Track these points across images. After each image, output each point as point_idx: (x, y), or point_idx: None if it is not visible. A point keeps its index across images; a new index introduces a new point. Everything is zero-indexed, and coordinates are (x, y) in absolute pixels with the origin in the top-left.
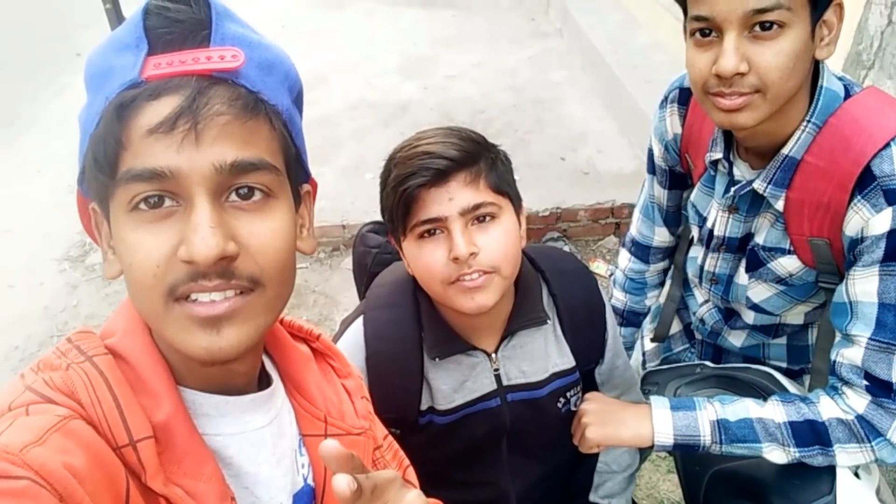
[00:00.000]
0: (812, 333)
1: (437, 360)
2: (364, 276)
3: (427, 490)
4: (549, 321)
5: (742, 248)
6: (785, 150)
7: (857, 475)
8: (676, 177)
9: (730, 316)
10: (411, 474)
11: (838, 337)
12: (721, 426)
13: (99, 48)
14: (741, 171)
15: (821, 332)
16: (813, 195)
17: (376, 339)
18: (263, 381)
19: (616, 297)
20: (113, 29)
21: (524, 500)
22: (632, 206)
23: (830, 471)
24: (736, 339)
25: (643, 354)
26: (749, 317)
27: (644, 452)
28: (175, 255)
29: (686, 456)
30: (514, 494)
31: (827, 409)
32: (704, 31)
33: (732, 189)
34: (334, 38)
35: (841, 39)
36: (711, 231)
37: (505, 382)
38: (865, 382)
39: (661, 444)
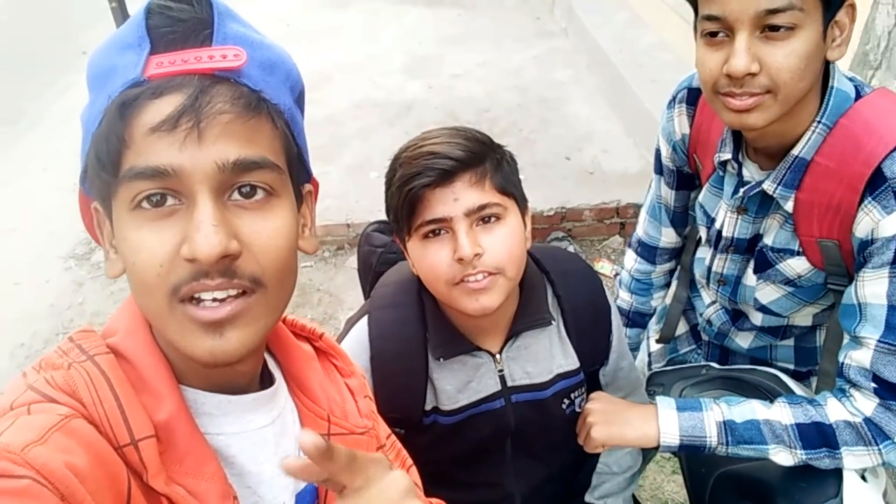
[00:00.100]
0: (820, 335)
1: (441, 360)
2: (369, 276)
3: (431, 490)
4: (553, 322)
5: (750, 250)
6: (795, 151)
7: (863, 478)
8: (684, 177)
9: (737, 317)
10: (414, 474)
11: (846, 339)
12: (728, 427)
13: (101, 47)
14: (750, 171)
15: (829, 333)
16: (823, 196)
17: (381, 339)
18: (266, 381)
19: (622, 298)
20: (118, 27)
21: (528, 501)
22: (637, 206)
23: (837, 474)
24: (743, 341)
25: (649, 355)
26: (757, 318)
27: (648, 454)
28: (178, 254)
29: (691, 457)
30: (519, 495)
31: (834, 411)
32: (715, 30)
33: (741, 190)
34: (339, 37)
35: None
36: (720, 232)
37: (509, 383)
38: (873, 385)
39: (666, 445)
